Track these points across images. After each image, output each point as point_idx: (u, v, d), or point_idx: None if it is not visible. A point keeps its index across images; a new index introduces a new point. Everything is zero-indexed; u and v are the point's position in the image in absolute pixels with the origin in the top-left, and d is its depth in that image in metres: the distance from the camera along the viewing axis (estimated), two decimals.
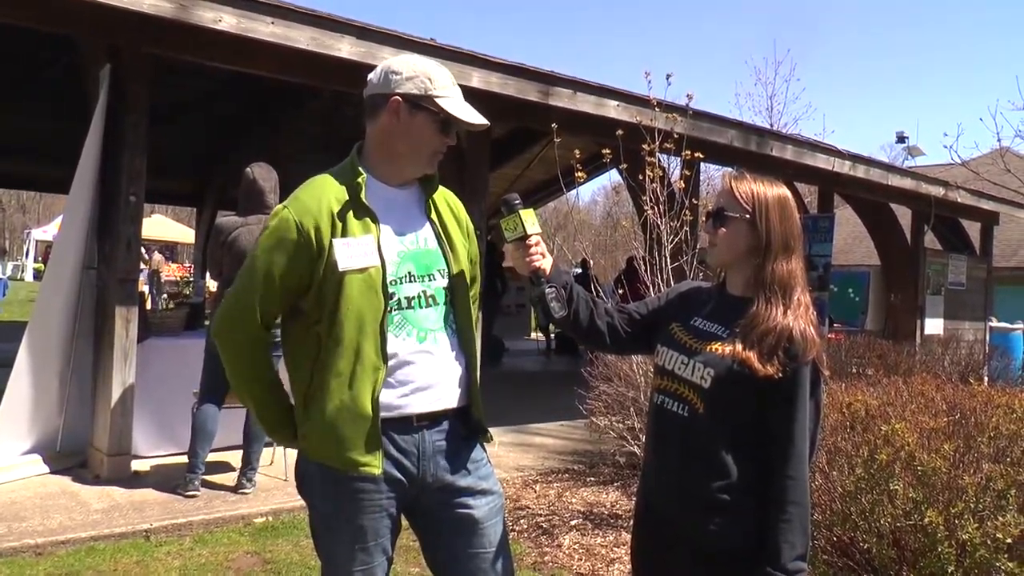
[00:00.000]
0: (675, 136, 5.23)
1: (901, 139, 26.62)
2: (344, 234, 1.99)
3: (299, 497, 2.14)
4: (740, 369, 1.86)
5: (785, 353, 1.87)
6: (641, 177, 5.10)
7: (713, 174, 11.01)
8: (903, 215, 12.10)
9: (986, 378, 9.13)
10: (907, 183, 10.58)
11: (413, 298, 2.05)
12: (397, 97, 2.03)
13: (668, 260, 5.17)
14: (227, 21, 4.91)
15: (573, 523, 4.87)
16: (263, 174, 5.15)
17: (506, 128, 10.82)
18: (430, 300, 2.08)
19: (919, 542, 3.02)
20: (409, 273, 2.06)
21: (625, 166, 5.27)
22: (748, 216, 1.95)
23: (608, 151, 5.31)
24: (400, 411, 2.01)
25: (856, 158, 9.74)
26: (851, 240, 21.57)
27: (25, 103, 9.90)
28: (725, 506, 1.88)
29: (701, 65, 76.43)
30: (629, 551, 2.20)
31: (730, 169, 2.08)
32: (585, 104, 6.72)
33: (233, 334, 2.11)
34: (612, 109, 6.82)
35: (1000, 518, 2.86)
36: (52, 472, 5.19)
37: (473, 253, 2.27)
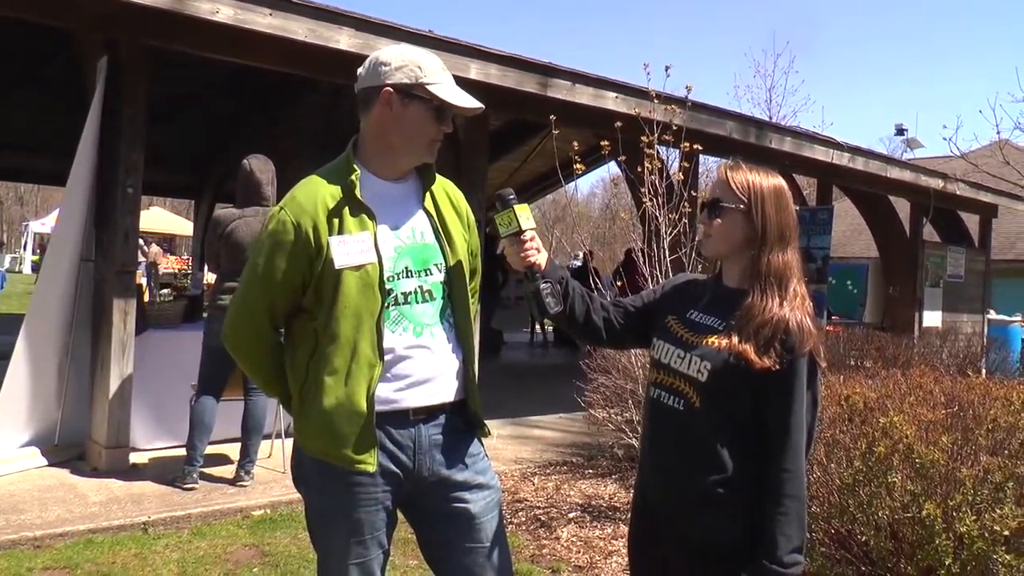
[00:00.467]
0: (674, 128, 5.22)
1: (900, 131, 26.53)
2: (340, 232, 1.99)
3: (297, 490, 2.14)
4: (737, 362, 1.86)
5: (782, 345, 1.86)
6: (640, 169, 5.09)
7: (712, 166, 10.97)
8: (902, 207, 12.10)
9: (984, 370, 9.13)
10: (906, 175, 10.57)
11: (410, 293, 2.05)
12: (388, 88, 2.02)
13: (666, 252, 5.16)
14: (224, 12, 4.89)
15: (571, 516, 4.88)
16: (260, 166, 5.14)
17: (504, 120, 10.81)
18: (427, 295, 2.07)
19: (917, 534, 3.02)
20: (406, 268, 2.05)
21: (624, 158, 5.26)
22: (744, 207, 1.94)
23: (607, 143, 5.30)
24: (396, 405, 2.01)
25: (855, 150, 9.73)
26: (850, 232, 21.56)
27: (23, 95, 9.88)
28: (721, 500, 1.88)
29: (700, 57, 76.30)
30: (627, 543, 2.20)
31: (728, 160, 2.07)
32: (584, 96, 6.70)
33: (243, 339, 2.12)
34: (611, 101, 6.81)
35: (998, 510, 2.86)
36: (50, 465, 5.20)
37: (473, 245, 2.26)
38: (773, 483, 1.85)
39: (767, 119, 19.76)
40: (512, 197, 2.05)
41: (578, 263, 16.31)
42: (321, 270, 1.97)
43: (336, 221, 1.99)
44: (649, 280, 5.10)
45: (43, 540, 4.06)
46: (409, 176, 2.15)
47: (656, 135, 5.18)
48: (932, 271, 12.23)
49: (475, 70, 5.95)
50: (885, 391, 3.89)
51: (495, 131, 10.35)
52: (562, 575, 4.04)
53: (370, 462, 1.97)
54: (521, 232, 2.03)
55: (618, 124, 5.17)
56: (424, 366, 2.04)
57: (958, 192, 11.45)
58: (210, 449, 5.14)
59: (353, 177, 2.02)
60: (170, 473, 5.03)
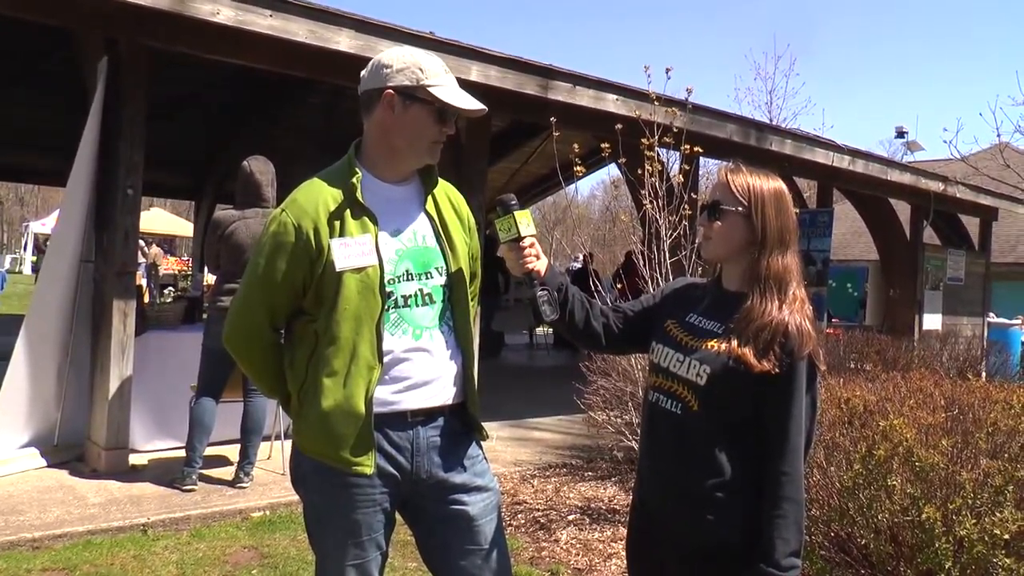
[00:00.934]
0: (674, 130, 5.21)
1: (900, 134, 26.55)
2: (342, 234, 1.99)
3: (295, 492, 2.14)
4: (736, 366, 1.85)
5: (781, 348, 1.86)
6: (640, 171, 5.09)
7: (712, 168, 10.99)
8: (902, 210, 12.10)
9: (984, 374, 9.13)
10: (906, 178, 10.57)
11: (410, 296, 2.05)
12: (390, 90, 2.02)
13: (667, 254, 5.16)
14: (225, 14, 4.89)
15: (571, 518, 4.87)
16: (260, 167, 5.14)
17: (505, 122, 10.80)
18: (427, 298, 2.07)
19: (916, 538, 3.01)
20: (407, 271, 2.05)
21: (624, 160, 5.25)
22: (744, 210, 1.94)
23: (607, 145, 5.30)
24: (394, 407, 2.01)
25: (855, 153, 9.73)
26: (850, 235, 21.56)
27: (23, 95, 9.87)
28: (719, 503, 1.87)
29: (701, 60, 76.33)
30: (625, 546, 2.20)
31: (728, 163, 2.07)
32: (584, 98, 6.71)
33: (244, 340, 2.11)
34: (611, 103, 6.81)
35: (997, 514, 2.86)
36: (49, 466, 5.19)
37: (474, 248, 2.27)
38: (771, 486, 1.84)
39: (767, 121, 19.77)
40: (513, 203, 2.05)
41: (578, 265, 16.31)
42: (322, 272, 1.97)
43: (337, 223, 1.99)
44: (649, 283, 5.10)
45: (42, 541, 4.06)
46: (411, 178, 2.15)
47: (656, 137, 5.17)
48: (932, 274, 12.23)
49: (476, 72, 5.96)
50: (885, 394, 3.89)
51: (495, 133, 10.33)
52: None
53: (367, 464, 1.97)
54: (521, 238, 2.03)
55: (618, 126, 5.17)
56: (423, 369, 2.04)
57: (958, 195, 11.45)
58: (209, 451, 5.13)
59: (354, 179, 2.02)
60: (169, 474, 5.02)
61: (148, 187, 6.74)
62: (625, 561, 2.26)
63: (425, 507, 2.10)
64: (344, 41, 5.35)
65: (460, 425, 2.13)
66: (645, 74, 5.55)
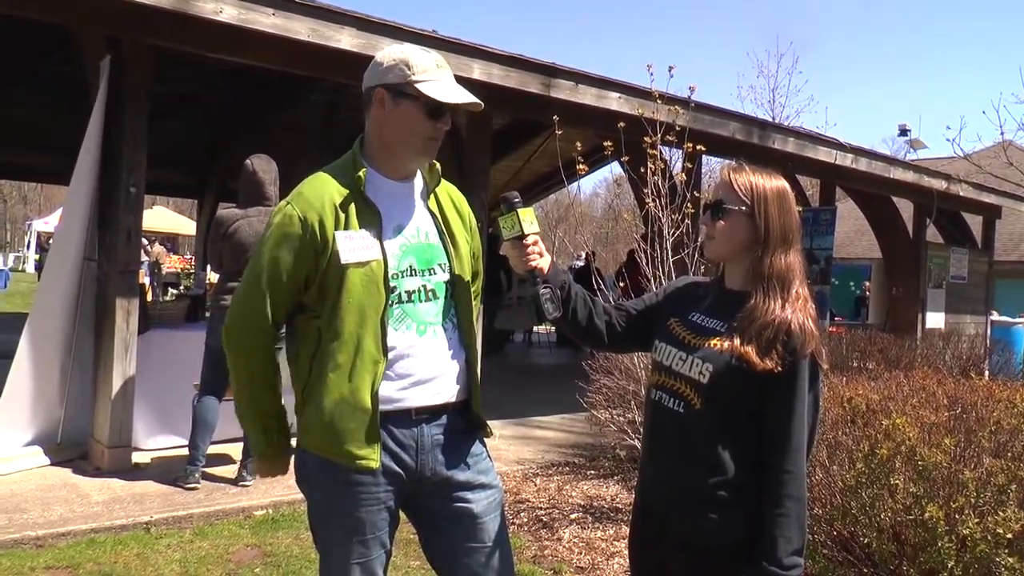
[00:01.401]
0: (677, 128, 5.21)
1: (903, 132, 26.52)
2: (346, 227, 1.99)
3: (299, 490, 2.14)
4: (739, 364, 1.85)
5: (784, 347, 1.86)
6: (642, 170, 5.08)
7: (715, 166, 11.00)
8: (905, 208, 12.09)
9: (987, 372, 9.12)
10: (909, 176, 10.56)
11: (413, 292, 2.05)
12: (381, 88, 2.04)
13: (669, 253, 5.15)
14: (227, 12, 4.89)
15: (573, 517, 4.87)
16: (263, 166, 5.14)
17: (507, 120, 10.79)
18: (430, 294, 2.07)
19: (919, 537, 3.01)
20: (410, 267, 2.06)
21: (627, 158, 5.25)
22: (747, 209, 1.94)
23: (610, 143, 5.30)
24: (399, 404, 2.01)
25: (858, 151, 9.72)
26: (853, 233, 21.54)
27: (26, 94, 9.89)
28: (722, 502, 1.87)
29: (703, 57, 76.26)
30: (628, 545, 2.20)
31: (731, 162, 2.07)
32: (587, 96, 6.70)
33: (244, 337, 2.10)
34: (614, 101, 6.80)
35: (1000, 513, 2.85)
36: (53, 464, 5.20)
37: (476, 248, 2.28)
38: (773, 485, 1.84)
39: (770, 120, 19.75)
40: (517, 200, 2.05)
41: (581, 263, 16.31)
42: (326, 266, 1.98)
43: (342, 217, 2.00)
44: (652, 281, 5.10)
45: (45, 539, 4.06)
46: (414, 176, 2.16)
47: (659, 136, 5.17)
48: (935, 272, 12.22)
49: (478, 70, 5.95)
50: (888, 393, 3.89)
51: (498, 131, 10.33)
52: None
53: (373, 459, 1.97)
54: (524, 236, 2.03)
55: (621, 124, 5.17)
56: (426, 365, 2.04)
57: (961, 193, 11.43)
58: (212, 449, 5.14)
59: (360, 174, 2.03)
60: (172, 473, 5.03)
61: (151, 185, 6.76)
62: (627, 560, 2.26)
63: (429, 505, 2.10)
64: (346, 39, 5.35)
65: (464, 423, 2.13)
66: (648, 72, 5.55)
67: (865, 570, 3.28)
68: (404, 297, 2.03)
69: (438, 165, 2.18)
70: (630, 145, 5.19)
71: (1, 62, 8.86)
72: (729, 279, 2.03)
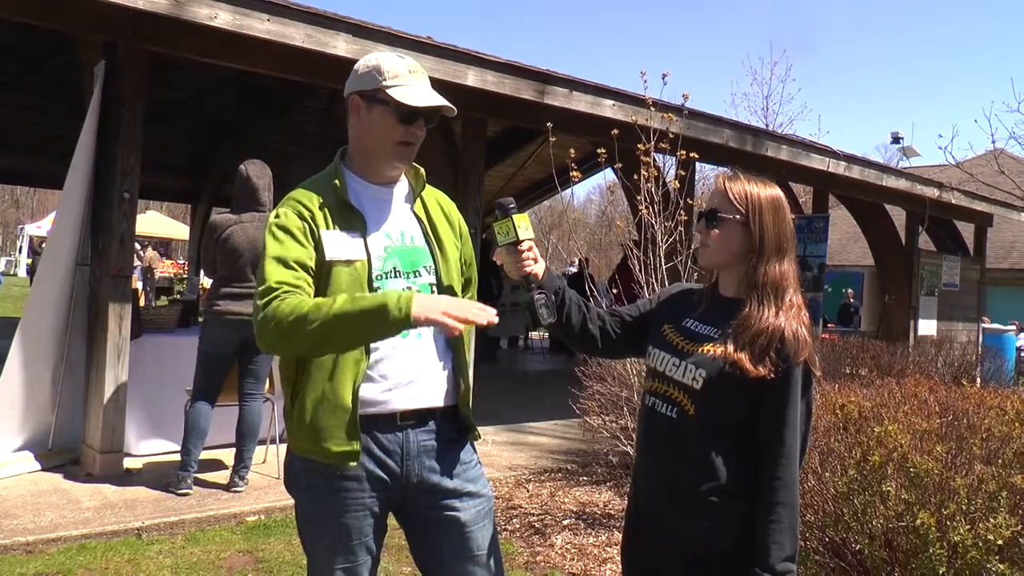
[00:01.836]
0: (670, 136, 5.23)
1: (896, 140, 26.67)
2: (332, 228, 2.02)
3: (289, 494, 2.14)
4: (732, 370, 1.86)
5: (777, 354, 1.87)
6: (636, 177, 5.10)
7: (708, 174, 11.03)
8: (897, 216, 12.13)
9: (979, 379, 9.15)
10: (902, 184, 10.60)
11: None
12: (355, 95, 2.08)
13: (663, 260, 5.17)
14: (222, 18, 4.89)
15: (566, 523, 4.87)
16: (257, 171, 5.14)
17: (501, 126, 10.82)
18: None
19: (911, 543, 3.02)
20: (394, 268, 2.07)
21: (620, 165, 5.27)
22: (741, 217, 1.95)
23: (603, 150, 5.31)
24: (383, 407, 2.01)
25: (851, 159, 9.76)
26: (845, 241, 21.63)
27: (20, 98, 9.88)
28: (714, 508, 1.88)
29: (697, 65, 76.48)
30: (620, 551, 2.20)
31: (725, 169, 2.08)
32: (581, 103, 6.72)
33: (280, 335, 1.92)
34: (608, 108, 6.82)
35: (991, 520, 2.86)
36: (44, 469, 5.18)
37: (467, 255, 2.28)
38: (766, 491, 1.85)
39: (764, 127, 19.81)
40: (512, 206, 2.05)
41: (574, 270, 16.32)
42: (316, 263, 2.00)
43: (329, 217, 2.02)
44: (645, 288, 5.11)
45: (36, 545, 4.04)
46: (397, 181, 2.18)
47: (653, 143, 5.19)
48: (927, 280, 12.27)
49: (472, 77, 5.96)
50: (880, 400, 3.90)
51: (492, 137, 10.36)
52: None
53: (352, 457, 1.98)
54: (519, 242, 2.03)
55: (615, 131, 5.18)
56: (409, 367, 2.04)
57: (953, 201, 11.48)
58: (204, 454, 5.13)
59: (337, 181, 2.07)
60: (164, 478, 5.02)
61: (144, 190, 6.75)
62: (620, 566, 2.26)
63: (417, 512, 2.10)
64: (341, 45, 5.36)
65: (452, 430, 2.13)
66: (642, 80, 5.57)
67: None
68: None
69: (422, 170, 2.20)
70: (624, 152, 5.21)
71: None
72: (723, 286, 2.04)
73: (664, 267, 5.16)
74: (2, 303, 19.58)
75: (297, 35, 5.20)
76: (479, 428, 2.22)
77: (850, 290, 15.55)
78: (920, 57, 79.44)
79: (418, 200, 2.18)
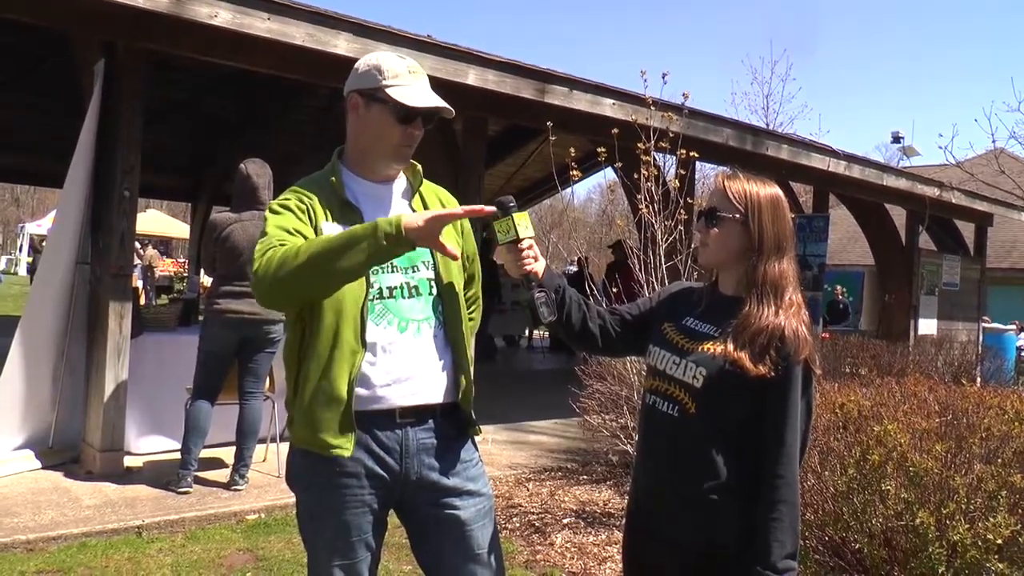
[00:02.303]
0: (670, 135, 5.23)
1: (896, 139, 26.65)
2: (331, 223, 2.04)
3: (291, 494, 2.15)
4: (732, 369, 1.87)
5: (777, 353, 1.87)
6: (636, 176, 5.10)
7: (708, 173, 11.03)
8: (898, 215, 12.13)
9: (979, 379, 9.16)
10: (902, 183, 10.60)
11: (395, 288, 2.06)
12: (355, 93, 2.08)
13: (662, 259, 5.17)
14: (223, 16, 4.89)
15: (566, 521, 4.88)
16: (257, 170, 5.14)
17: (502, 125, 10.82)
18: (413, 291, 2.08)
19: (910, 542, 3.02)
20: (391, 263, 2.06)
21: (620, 164, 5.27)
22: (740, 216, 1.95)
23: (603, 149, 5.31)
24: (381, 403, 2.01)
25: (851, 158, 9.76)
26: (845, 240, 21.63)
27: (21, 97, 9.88)
28: (715, 506, 1.88)
29: (697, 64, 76.49)
30: (621, 550, 2.20)
31: (725, 168, 2.08)
32: (581, 102, 6.72)
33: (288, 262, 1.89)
34: (608, 107, 6.82)
35: (991, 519, 2.87)
36: (44, 468, 5.19)
37: (470, 250, 2.28)
38: (767, 489, 1.85)
39: (764, 126, 19.82)
40: (512, 204, 2.05)
41: (574, 269, 16.32)
42: None
43: (328, 214, 2.04)
44: (645, 287, 5.11)
45: (36, 543, 4.05)
46: (396, 178, 2.19)
47: (653, 142, 5.19)
48: (927, 279, 12.26)
49: (473, 75, 5.96)
50: (880, 399, 3.90)
51: (492, 136, 10.36)
52: None
53: (346, 447, 1.98)
54: (519, 240, 2.03)
55: (615, 130, 5.18)
56: (407, 362, 2.04)
57: (954, 200, 11.48)
58: (205, 453, 5.13)
59: (334, 179, 2.09)
60: (164, 477, 5.02)
61: (144, 189, 6.76)
62: (620, 565, 2.26)
63: (417, 510, 2.11)
64: (342, 44, 5.35)
65: (453, 428, 2.13)
66: (642, 79, 5.57)
67: (856, 575, 3.29)
68: (385, 293, 2.05)
69: (419, 166, 2.21)
70: (624, 151, 5.21)
71: None
72: (723, 284, 2.04)
73: (664, 266, 5.16)
74: (2, 301, 19.59)
75: (298, 34, 5.20)
76: (479, 426, 2.22)
77: (840, 286, 15.50)
78: (921, 56, 79.44)
79: (416, 195, 2.18)
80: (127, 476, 5.13)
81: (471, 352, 2.20)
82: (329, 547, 2.04)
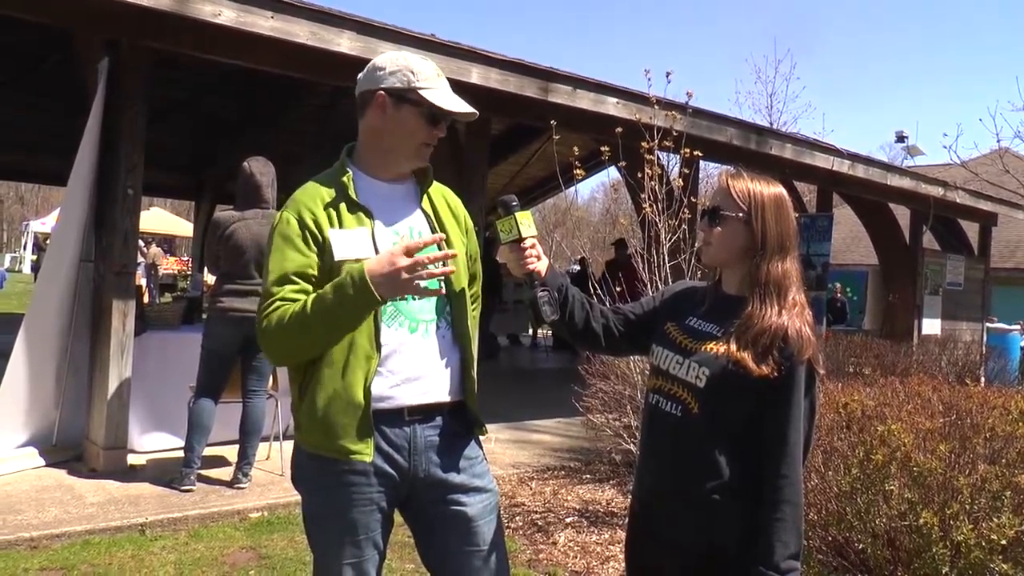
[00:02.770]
0: (674, 134, 5.22)
1: (900, 139, 26.66)
2: (339, 226, 2.02)
3: (295, 492, 2.15)
4: (735, 369, 1.86)
5: (780, 353, 1.86)
6: (640, 175, 5.10)
7: (712, 172, 11.02)
8: (902, 215, 12.11)
9: (983, 379, 9.14)
10: (906, 183, 10.58)
11: None
12: (382, 92, 2.06)
13: (666, 258, 5.16)
14: (226, 15, 4.89)
15: (569, 521, 4.87)
16: (261, 168, 5.14)
17: (505, 124, 10.81)
18: None
19: (914, 543, 3.02)
20: None
21: (624, 163, 5.27)
22: (744, 215, 1.95)
23: (607, 148, 5.30)
24: (391, 402, 2.02)
25: (855, 157, 9.73)
26: (849, 240, 21.60)
27: (24, 96, 9.89)
28: (718, 506, 1.88)
29: (701, 63, 76.41)
30: (623, 549, 2.20)
31: (729, 168, 2.08)
32: (584, 101, 6.71)
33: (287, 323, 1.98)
34: (611, 106, 6.81)
35: (995, 519, 2.86)
36: (48, 465, 5.19)
37: (472, 250, 2.29)
38: (770, 489, 1.85)
39: (768, 125, 19.78)
40: (515, 203, 2.05)
41: (577, 268, 16.32)
42: (324, 264, 2.00)
43: (335, 217, 2.03)
44: (648, 286, 5.11)
45: (40, 541, 4.06)
46: (406, 178, 2.18)
47: (656, 141, 5.18)
48: (931, 279, 12.24)
49: (476, 74, 5.96)
50: (883, 399, 3.90)
51: (496, 135, 10.35)
52: None
53: (367, 453, 1.98)
54: (522, 239, 2.03)
55: (619, 129, 5.18)
56: (418, 362, 2.05)
57: (958, 200, 11.45)
58: (208, 451, 5.13)
59: (345, 179, 2.07)
60: (168, 475, 5.02)
61: (148, 187, 6.75)
62: (623, 564, 2.26)
63: (423, 507, 2.11)
64: (345, 43, 5.35)
65: (459, 426, 2.14)
66: (646, 78, 5.56)
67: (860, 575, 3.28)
68: None
69: (430, 167, 2.20)
70: (627, 150, 5.20)
71: (2, 64, 8.86)
72: (726, 284, 2.04)
73: (668, 265, 5.16)
74: (7, 299, 19.63)
75: (301, 32, 5.20)
76: (485, 426, 2.22)
77: (839, 285, 15.45)
78: (925, 55, 79.28)
79: (425, 196, 2.18)
80: (130, 474, 5.14)
81: (474, 350, 2.21)
82: (337, 546, 2.03)
